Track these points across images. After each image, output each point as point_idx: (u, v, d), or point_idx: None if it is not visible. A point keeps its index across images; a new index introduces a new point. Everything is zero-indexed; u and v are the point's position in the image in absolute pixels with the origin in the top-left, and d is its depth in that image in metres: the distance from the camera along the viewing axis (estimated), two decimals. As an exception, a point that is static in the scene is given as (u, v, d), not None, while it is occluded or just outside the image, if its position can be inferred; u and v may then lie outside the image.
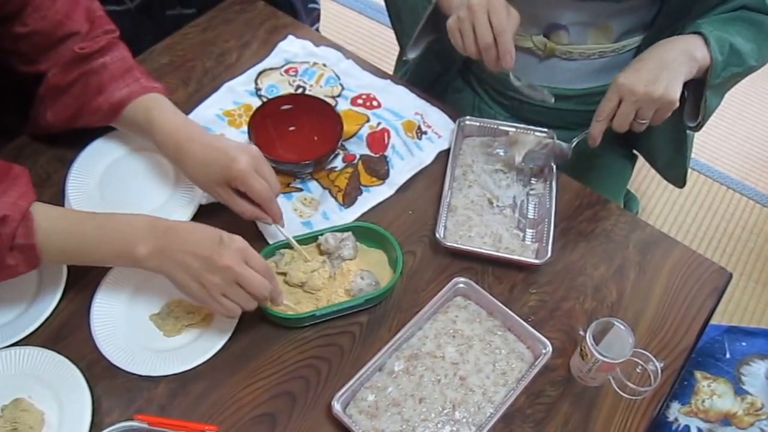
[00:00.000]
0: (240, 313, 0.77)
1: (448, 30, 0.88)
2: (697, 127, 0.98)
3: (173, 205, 0.89)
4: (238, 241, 0.74)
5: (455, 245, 0.88)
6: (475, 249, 0.89)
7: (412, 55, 1.04)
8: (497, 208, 0.95)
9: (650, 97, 0.84)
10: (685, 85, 0.88)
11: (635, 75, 0.85)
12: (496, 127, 1.01)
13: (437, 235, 0.88)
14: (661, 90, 0.83)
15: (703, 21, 0.92)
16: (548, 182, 0.95)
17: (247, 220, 0.82)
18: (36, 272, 0.82)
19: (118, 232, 0.74)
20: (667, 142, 1.11)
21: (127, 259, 0.75)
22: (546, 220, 0.90)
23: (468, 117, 1.01)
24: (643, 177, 1.99)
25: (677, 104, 0.86)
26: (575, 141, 0.94)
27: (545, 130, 0.99)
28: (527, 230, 0.93)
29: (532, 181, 0.98)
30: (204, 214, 0.89)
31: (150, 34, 1.12)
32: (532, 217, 0.95)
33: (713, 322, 0.93)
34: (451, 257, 0.90)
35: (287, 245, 0.86)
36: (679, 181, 1.18)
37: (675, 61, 0.86)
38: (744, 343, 1.05)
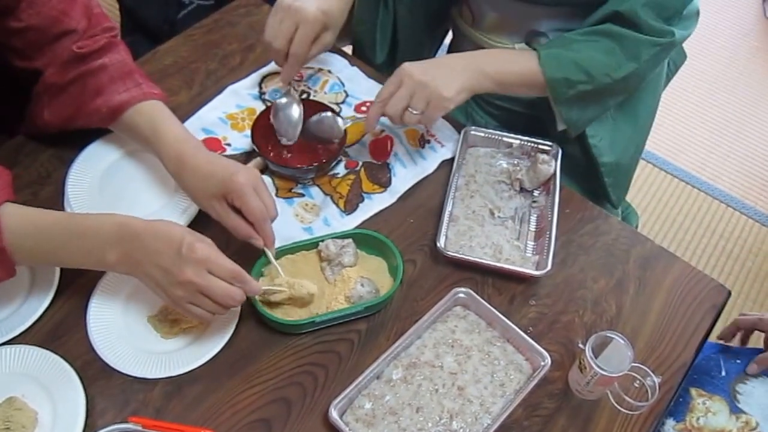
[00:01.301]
0: (213, 318, 0.76)
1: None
2: (567, 132, 1.01)
3: (173, 207, 0.88)
4: (200, 250, 0.71)
5: (456, 255, 0.88)
6: (475, 259, 0.88)
7: None
8: (498, 219, 0.95)
9: (424, 86, 0.88)
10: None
11: (419, 63, 0.90)
12: (500, 138, 1.01)
13: (438, 245, 0.88)
14: (436, 83, 0.88)
15: (558, 38, 0.95)
16: (551, 195, 0.95)
17: (239, 238, 0.80)
18: (28, 270, 0.82)
19: (87, 237, 0.73)
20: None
21: (98, 264, 0.75)
22: (547, 232, 0.90)
23: (473, 127, 1.01)
24: (644, 194, 2.00)
25: (448, 103, 0.90)
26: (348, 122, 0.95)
27: (550, 143, 1.00)
28: (528, 242, 0.93)
29: (535, 194, 0.98)
30: (204, 217, 0.89)
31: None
32: (533, 229, 0.94)
33: (709, 339, 0.93)
34: (451, 267, 0.90)
35: (289, 251, 0.85)
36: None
37: (458, 66, 0.92)
38: (739, 361, 1.05)
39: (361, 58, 1.13)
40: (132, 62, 0.90)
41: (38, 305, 0.80)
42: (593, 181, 1.10)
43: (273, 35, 0.95)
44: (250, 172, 0.79)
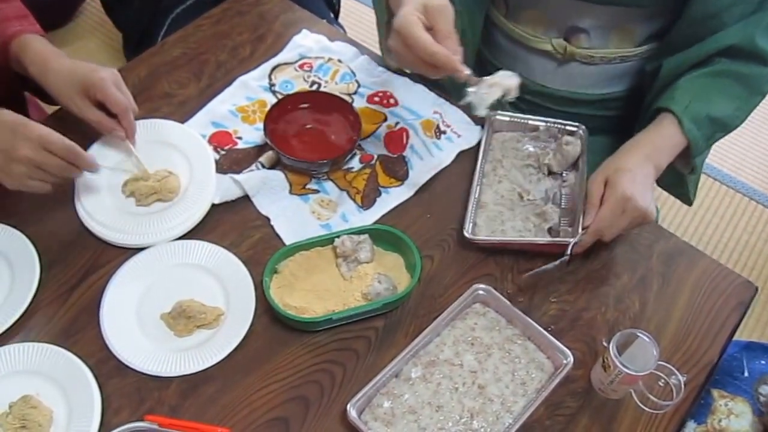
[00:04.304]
0: (50, 189, 0.81)
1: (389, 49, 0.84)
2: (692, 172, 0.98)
3: (185, 204, 0.87)
4: (35, 128, 0.76)
5: (487, 239, 0.87)
6: (510, 239, 0.87)
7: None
8: (528, 202, 0.93)
9: (642, 214, 0.84)
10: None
11: (638, 187, 0.84)
12: (525, 121, 0.99)
13: (465, 232, 0.86)
14: (647, 206, 0.84)
15: (681, 87, 0.91)
16: (579, 172, 0.93)
17: (102, 132, 0.88)
18: (8, 265, 0.82)
19: None
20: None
21: None
22: (578, 206, 0.88)
23: (498, 111, 0.98)
24: (662, 185, 1.96)
25: (649, 219, 0.85)
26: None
27: (576, 124, 0.97)
28: (561, 219, 0.91)
29: (564, 174, 0.96)
30: (216, 213, 0.88)
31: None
32: (564, 206, 0.93)
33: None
34: (469, 263, 0.88)
35: (304, 247, 0.84)
36: (686, 200, 1.13)
37: (649, 178, 0.87)
38: (763, 362, 1.02)
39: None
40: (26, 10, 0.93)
41: (20, 302, 0.79)
42: None
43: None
44: (111, 72, 0.86)
